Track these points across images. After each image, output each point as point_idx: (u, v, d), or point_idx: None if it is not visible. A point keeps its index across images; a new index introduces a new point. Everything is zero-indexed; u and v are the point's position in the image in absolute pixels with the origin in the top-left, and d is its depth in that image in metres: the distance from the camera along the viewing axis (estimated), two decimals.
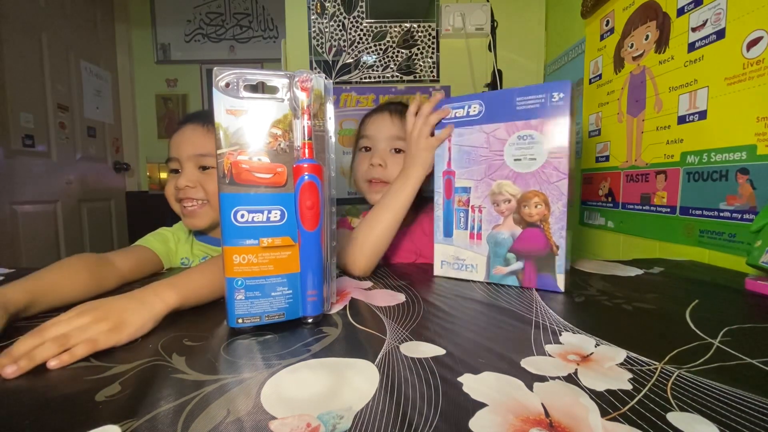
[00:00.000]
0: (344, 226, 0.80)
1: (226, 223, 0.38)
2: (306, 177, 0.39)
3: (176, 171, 0.71)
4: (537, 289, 0.53)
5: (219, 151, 0.37)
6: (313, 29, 1.43)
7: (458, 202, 0.59)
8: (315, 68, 1.44)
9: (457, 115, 0.58)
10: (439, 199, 0.62)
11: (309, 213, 0.39)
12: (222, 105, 0.37)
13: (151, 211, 2.39)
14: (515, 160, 0.54)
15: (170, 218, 0.75)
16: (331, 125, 0.43)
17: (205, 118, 0.71)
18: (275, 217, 0.39)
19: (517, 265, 0.54)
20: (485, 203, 0.57)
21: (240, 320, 0.38)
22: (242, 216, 0.38)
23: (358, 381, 0.28)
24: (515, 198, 0.54)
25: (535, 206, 0.52)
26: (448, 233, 0.61)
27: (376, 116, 0.82)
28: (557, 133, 0.50)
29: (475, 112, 0.57)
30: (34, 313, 0.43)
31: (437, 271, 0.62)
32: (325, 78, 0.42)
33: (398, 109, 0.81)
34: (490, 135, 0.56)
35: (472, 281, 0.58)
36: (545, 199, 0.51)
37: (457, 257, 0.60)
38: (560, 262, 0.51)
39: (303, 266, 0.40)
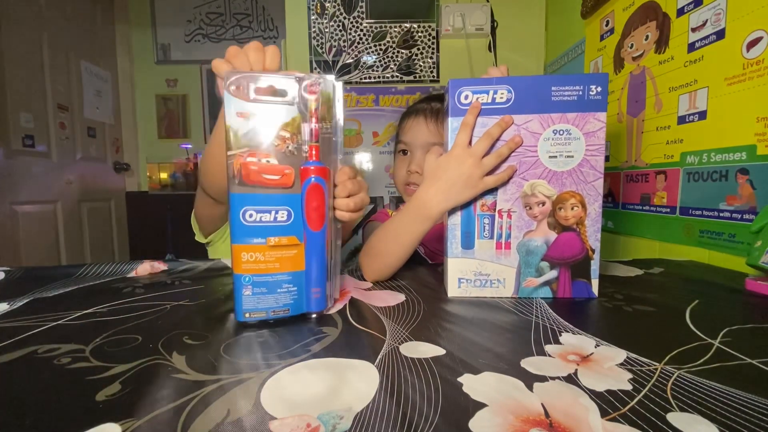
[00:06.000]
0: (381, 217, 0.80)
1: (235, 222, 0.39)
2: (312, 179, 0.40)
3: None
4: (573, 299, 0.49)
5: (229, 153, 0.38)
6: (313, 29, 1.43)
7: (482, 206, 0.50)
8: (315, 68, 1.44)
9: (480, 100, 0.49)
10: None
11: (315, 214, 0.40)
12: (232, 108, 0.38)
13: (151, 211, 2.37)
14: (550, 157, 0.48)
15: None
16: (339, 128, 0.44)
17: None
18: (282, 217, 0.40)
19: (551, 275, 0.49)
20: (516, 206, 0.50)
21: (247, 314, 0.40)
22: (251, 215, 0.39)
23: (358, 381, 0.28)
24: (550, 200, 0.49)
25: (572, 208, 0.49)
26: (468, 244, 0.51)
27: (413, 121, 0.81)
28: (596, 129, 0.48)
29: (503, 99, 0.48)
30: None
31: (453, 292, 0.51)
32: (335, 80, 0.42)
33: (434, 110, 0.79)
34: (521, 127, 0.49)
35: (499, 298, 0.50)
36: (582, 200, 0.48)
37: (480, 272, 0.51)
38: (595, 266, 0.49)
39: (308, 265, 0.41)
